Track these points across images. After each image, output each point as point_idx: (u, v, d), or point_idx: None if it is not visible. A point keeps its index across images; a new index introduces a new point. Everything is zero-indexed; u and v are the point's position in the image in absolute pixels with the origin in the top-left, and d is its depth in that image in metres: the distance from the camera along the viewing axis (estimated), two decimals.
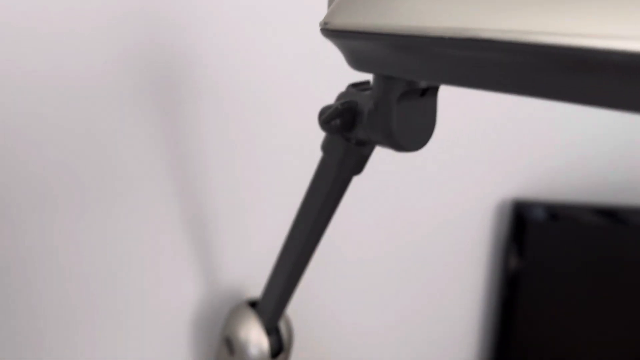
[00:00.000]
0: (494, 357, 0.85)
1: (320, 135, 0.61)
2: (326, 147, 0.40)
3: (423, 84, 0.32)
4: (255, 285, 0.57)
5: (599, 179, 0.86)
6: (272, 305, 0.53)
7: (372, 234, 0.74)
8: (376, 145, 0.36)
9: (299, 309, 0.70)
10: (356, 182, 0.70)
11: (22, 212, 0.52)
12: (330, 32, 0.30)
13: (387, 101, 0.32)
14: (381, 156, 0.71)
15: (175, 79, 0.55)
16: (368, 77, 0.62)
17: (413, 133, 0.33)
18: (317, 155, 0.62)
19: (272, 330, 0.56)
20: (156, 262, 0.60)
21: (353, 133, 0.36)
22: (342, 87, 0.62)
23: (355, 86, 0.36)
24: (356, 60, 0.31)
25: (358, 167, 0.39)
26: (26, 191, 0.52)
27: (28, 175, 0.51)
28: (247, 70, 0.58)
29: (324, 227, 0.45)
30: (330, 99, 0.61)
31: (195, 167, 0.59)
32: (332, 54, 0.60)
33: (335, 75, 0.61)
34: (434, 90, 0.33)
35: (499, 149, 0.79)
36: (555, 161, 0.83)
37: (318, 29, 0.58)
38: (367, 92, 0.35)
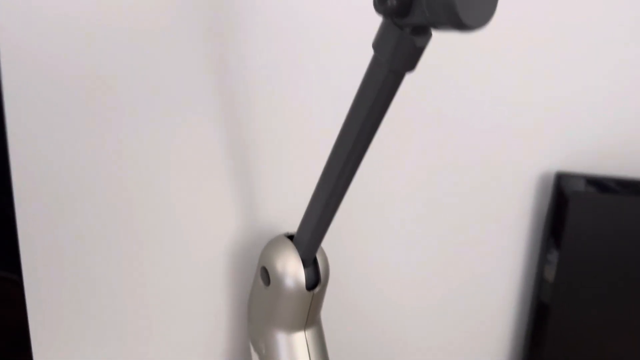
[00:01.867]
0: (530, 333, 0.82)
1: None
2: (378, 42, 0.39)
3: None
4: (297, 222, 0.57)
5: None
6: (309, 235, 0.52)
7: (414, 198, 0.73)
8: (434, 27, 0.36)
9: (337, 254, 0.69)
10: (401, 144, 0.69)
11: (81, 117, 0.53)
12: None
13: None
14: (424, 122, 0.70)
15: (228, 5, 0.55)
16: None
17: (473, 7, 0.32)
18: None
19: (309, 262, 0.55)
20: (197, 188, 0.60)
21: (409, 18, 0.35)
22: None
23: None
24: None
25: (411, 62, 0.38)
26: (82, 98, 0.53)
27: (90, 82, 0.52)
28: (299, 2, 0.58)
29: (371, 136, 0.44)
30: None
31: (239, 95, 0.59)
32: None
33: None
34: None
35: (542, 121, 0.77)
36: (599, 134, 0.81)
37: None
38: None
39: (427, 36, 0.37)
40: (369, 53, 0.40)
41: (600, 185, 0.77)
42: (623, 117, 0.81)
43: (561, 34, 0.74)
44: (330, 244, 0.64)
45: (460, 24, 0.33)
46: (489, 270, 0.81)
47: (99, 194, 0.56)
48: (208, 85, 0.57)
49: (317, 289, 0.55)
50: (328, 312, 0.66)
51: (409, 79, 0.69)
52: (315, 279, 0.55)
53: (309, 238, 0.53)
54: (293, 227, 0.59)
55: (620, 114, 0.81)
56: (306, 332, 0.57)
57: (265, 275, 0.56)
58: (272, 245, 0.56)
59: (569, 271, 0.79)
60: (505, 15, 0.70)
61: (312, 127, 0.62)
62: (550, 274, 0.79)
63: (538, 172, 0.80)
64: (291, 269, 0.54)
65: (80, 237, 0.56)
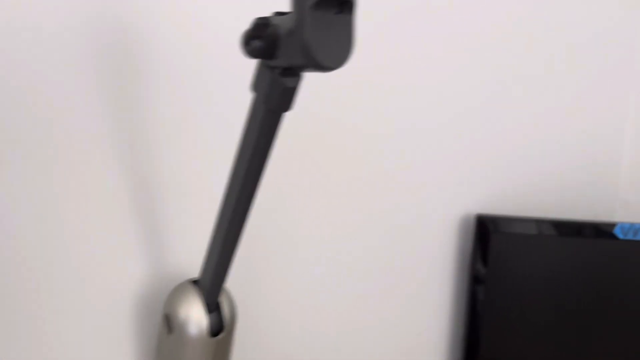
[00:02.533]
0: None
1: None
2: (254, 83, 0.40)
3: None
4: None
5: (556, 197, 0.87)
6: (210, 278, 0.52)
7: (338, 242, 0.73)
8: (298, 69, 0.37)
9: (248, 298, 0.68)
10: (323, 188, 0.70)
11: None
12: None
13: (302, 11, 0.33)
14: (349, 166, 0.72)
15: (128, 55, 0.56)
16: None
17: (329, 49, 0.34)
18: None
19: (213, 308, 0.54)
20: (101, 239, 0.59)
21: (276, 60, 0.37)
22: None
23: (279, 14, 0.37)
24: None
25: (285, 102, 0.40)
26: None
27: None
28: (196, 50, 0.60)
29: (258, 176, 0.44)
30: None
31: (142, 142, 0.59)
32: None
33: None
34: (350, 8, 0.35)
35: (462, 166, 0.80)
36: (517, 178, 0.84)
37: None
38: (288, 16, 0.36)
39: (297, 78, 0.39)
40: None
41: (519, 225, 0.79)
42: (539, 161, 0.85)
43: (480, 82, 0.78)
44: (246, 288, 0.63)
45: (318, 66, 0.34)
46: (417, 312, 0.81)
47: None
48: (108, 131, 0.57)
49: (221, 335, 0.54)
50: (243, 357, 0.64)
51: (336, 122, 0.72)
52: (220, 325, 0.54)
53: (210, 282, 0.52)
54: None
55: (536, 158, 0.85)
56: None
57: (168, 322, 0.54)
58: (175, 291, 0.55)
59: (495, 308, 0.79)
60: (423, 62, 0.73)
61: (216, 172, 0.63)
62: (477, 312, 0.79)
63: (459, 215, 0.82)
64: (193, 315, 0.53)
65: None
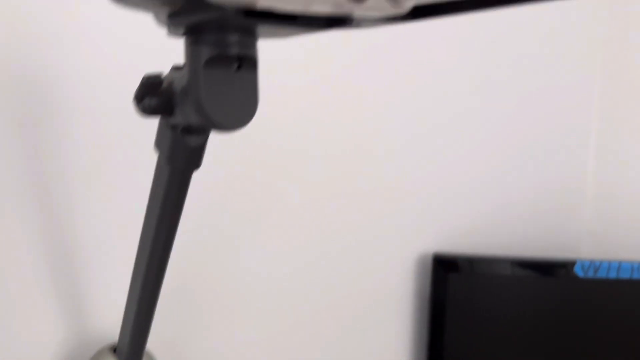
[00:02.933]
0: None
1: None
2: (156, 142, 0.37)
3: (233, 50, 0.30)
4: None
5: (517, 233, 0.85)
6: (127, 344, 0.47)
7: (288, 285, 0.69)
8: (199, 128, 0.34)
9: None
10: (273, 226, 0.66)
11: None
12: None
13: (195, 68, 0.30)
14: (302, 202, 0.68)
15: (34, 98, 0.52)
16: None
17: (228, 108, 0.31)
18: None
19: None
20: (13, 301, 0.54)
21: (175, 119, 0.33)
22: None
23: (177, 68, 0.34)
24: None
25: (191, 160, 0.36)
26: None
27: None
28: (111, 95, 0.55)
29: (170, 237, 0.40)
30: None
31: (55, 194, 0.54)
32: None
33: None
34: (251, 64, 0.31)
35: (419, 202, 0.77)
36: (474, 216, 0.81)
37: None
38: (183, 70, 0.32)
39: (202, 136, 0.35)
40: None
41: (478, 264, 0.77)
42: (498, 196, 0.82)
43: (435, 115, 0.76)
44: (173, 350, 0.59)
45: (215, 126, 0.31)
46: (375, 357, 0.77)
47: None
48: (17, 183, 0.52)
49: None
50: None
51: (296, 162, 0.69)
52: None
53: (128, 348, 0.47)
54: None
55: (495, 193, 0.82)
56: None
57: None
58: (94, 359, 0.50)
59: (456, 350, 0.76)
60: (379, 99, 0.71)
61: (135, 225, 0.58)
62: (437, 351, 0.76)
63: (416, 254, 0.78)
64: None
65: None
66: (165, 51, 0.51)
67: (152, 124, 0.56)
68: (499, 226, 0.84)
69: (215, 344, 0.65)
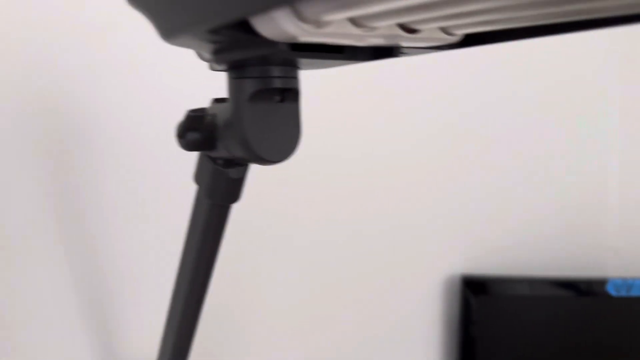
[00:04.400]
0: None
1: None
2: (196, 175, 0.36)
3: (277, 83, 0.30)
4: None
5: (542, 251, 0.83)
6: None
7: (315, 313, 0.68)
8: (241, 161, 0.33)
9: None
10: (302, 249, 0.66)
11: None
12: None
13: (239, 102, 0.30)
14: (327, 225, 0.67)
15: (70, 134, 0.52)
16: None
17: (272, 141, 0.30)
18: None
19: None
20: (51, 332, 0.53)
21: (217, 152, 0.33)
22: None
23: (218, 101, 0.34)
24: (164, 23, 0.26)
25: (231, 193, 0.36)
26: None
27: None
28: (145, 126, 0.56)
29: (209, 270, 0.40)
30: None
31: (91, 228, 0.54)
32: None
33: None
34: (294, 96, 0.31)
35: (446, 224, 0.76)
36: (499, 236, 0.80)
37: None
38: (226, 103, 0.32)
39: (243, 168, 0.35)
40: None
41: (507, 285, 0.75)
42: (526, 219, 0.81)
43: (461, 136, 0.75)
44: None
45: (259, 159, 0.30)
46: None
47: None
48: (54, 216, 0.53)
49: None
50: None
51: (313, 181, 0.69)
52: None
53: None
54: None
55: (523, 215, 0.81)
56: None
57: None
58: None
59: None
60: (405, 115, 0.70)
61: (170, 256, 0.58)
62: None
63: (443, 276, 0.77)
64: None
65: None
66: (202, 81, 0.52)
67: (183, 162, 0.56)
68: (524, 245, 0.82)
69: None
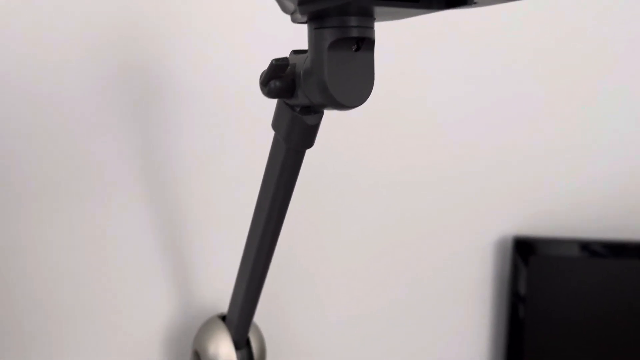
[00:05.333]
0: None
1: None
2: (274, 121, 0.40)
3: (354, 32, 0.32)
4: None
5: (599, 215, 0.83)
6: (238, 314, 0.51)
7: (369, 270, 0.71)
8: (317, 107, 0.36)
9: (277, 332, 0.67)
10: (354, 216, 0.69)
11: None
12: None
13: (319, 51, 0.32)
14: (381, 191, 0.70)
15: (153, 88, 0.57)
16: None
17: (349, 87, 0.33)
18: None
19: (242, 344, 0.53)
20: (129, 275, 0.59)
21: (295, 99, 0.36)
22: None
23: (296, 52, 0.37)
24: None
25: (306, 139, 0.39)
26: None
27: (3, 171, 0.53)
28: (222, 78, 0.60)
29: (282, 213, 0.44)
30: None
31: (168, 176, 0.59)
32: None
33: None
34: (369, 45, 0.34)
35: (500, 185, 0.77)
36: (555, 198, 0.81)
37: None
38: (305, 54, 0.35)
39: (318, 115, 0.38)
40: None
41: (561, 247, 0.76)
42: (579, 180, 0.81)
43: (513, 93, 0.76)
44: (276, 324, 0.62)
45: (337, 105, 0.33)
46: (454, 342, 0.78)
47: (15, 283, 0.55)
48: (134, 163, 0.57)
49: None
50: None
51: (362, 145, 0.71)
52: None
53: (238, 318, 0.51)
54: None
55: (576, 177, 0.81)
56: None
57: (198, 359, 0.54)
58: (204, 327, 0.54)
59: (535, 334, 0.76)
60: (450, 77, 0.72)
61: (243, 204, 0.62)
62: (516, 338, 0.76)
63: (495, 237, 0.79)
64: (222, 351, 0.52)
65: None
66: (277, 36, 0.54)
67: (258, 112, 0.60)
68: (576, 207, 0.82)
69: (310, 321, 0.69)
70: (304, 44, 0.36)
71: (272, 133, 0.41)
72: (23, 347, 0.56)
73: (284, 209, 0.44)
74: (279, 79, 0.35)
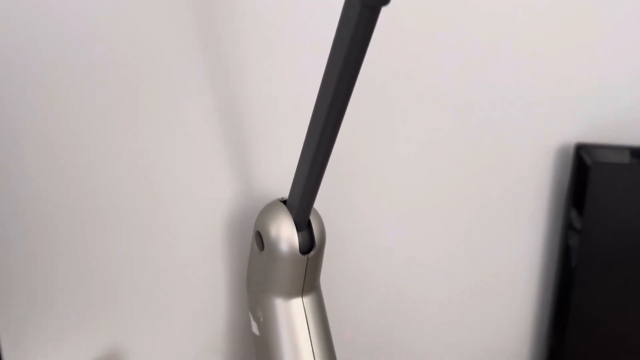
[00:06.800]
0: (555, 304, 0.78)
1: None
2: None
3: None
4: None
5: None
6: (299, 197, 0.51)
7: (430, 168, 0.71)
8: None
9: (338, 218, 0.68)
10: (410, 113, 0.68)
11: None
12: None
13: None
14: (434, 96, 0.68)
15: None
16: None
17: None
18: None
19: (303, 226, 0.54)
20: (188, 158, 0.60)
21: None
22: None
23: None
24: None
25: None
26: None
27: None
28: None
29: (352, 82, 0.42)
30: None
31: (228, 61, 0.59)
32: None
33: None
34: None
35: (559, 91, 0.74)
36: (618, 104, 0.76)
37: None
38: None
39: None
40: None
41: (622, 155, 0.73)
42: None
43: (585, 12, 0.71)
44: (332, 208, 0.63)
45: None
46: (509, 245, 0.78)
47: (82, 170, 0.56)
48: (194, 54, 0.57)
49: (312, 253, 0.53)
50: (328, 277, 0.64)
51: (414, 47, 0.69)
52: (310, 243, 0.54)
53: (299, 200, 0.51)
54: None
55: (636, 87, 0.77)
56: (304, 299, 0.55)
57: (260, 240, 0.55)
58: (265, 210, 0.55)
59: (593, 243, 0.75)
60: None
61: (302, 87, 0.61)
62: (574, 246, 0.75)
63: (557, 144, 0.76)
64: (284, 233, 0.53)
65: (74, 214, 0.57)
66: None
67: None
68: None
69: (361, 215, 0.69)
70: None
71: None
72: (83, 232, 0.58)
73: (353, 80, 0.42)
74: None
